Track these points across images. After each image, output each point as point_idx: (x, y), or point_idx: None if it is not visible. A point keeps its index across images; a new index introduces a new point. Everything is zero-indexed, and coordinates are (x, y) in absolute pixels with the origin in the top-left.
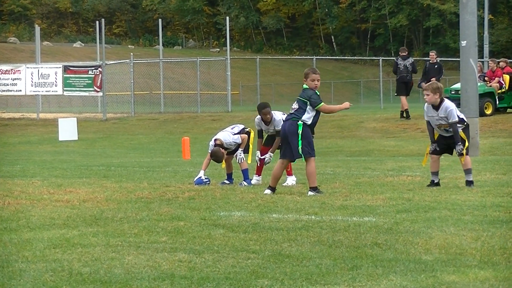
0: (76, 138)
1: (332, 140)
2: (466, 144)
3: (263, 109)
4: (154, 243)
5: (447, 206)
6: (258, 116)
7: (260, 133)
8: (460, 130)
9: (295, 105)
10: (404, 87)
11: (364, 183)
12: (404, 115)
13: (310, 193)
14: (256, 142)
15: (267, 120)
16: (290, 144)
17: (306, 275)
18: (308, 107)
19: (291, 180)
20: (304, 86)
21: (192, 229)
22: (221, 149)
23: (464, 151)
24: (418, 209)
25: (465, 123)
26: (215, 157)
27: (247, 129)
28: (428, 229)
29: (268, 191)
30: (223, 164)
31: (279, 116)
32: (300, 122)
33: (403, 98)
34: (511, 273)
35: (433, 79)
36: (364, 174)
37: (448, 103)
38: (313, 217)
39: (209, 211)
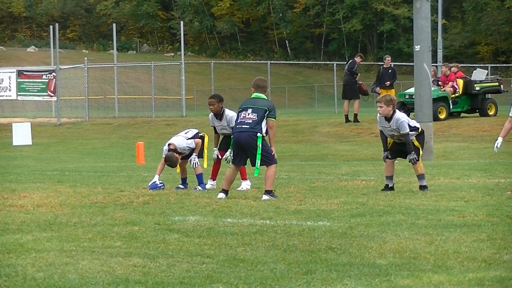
0: (30, 143)
1: (286, 145)
2: (420, 152)
3: (209, 99)
4: (108, 248)
5: (401, 211)
6: (211, 113)
7: (214, 129)
8: (413, 138)
9: (252, 115)
10: (344, 91)
11: (318, 188)
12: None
13: (264, 197)
14: (212, 142)
15: (216, 112)
16: (248, 153)
17: (261, 279)
18: (265, 117)
19: (245, 185)
20: (262, 95)
21: (147, 234)
22: (175, 153)
23: (420, 159)
24: (372, 214)
25: (419, 130)
26: (169, 162)
27: (201, 134)
28: (382, 233)
29: (221, 195)
30: (178, 169)
31: (231, 113)
32: (259, 134)
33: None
34: (464, 277)
35: (387, 83)
36: (318, 179)
37: (399, 115)
38: (267, 221)
39: (163, 216)
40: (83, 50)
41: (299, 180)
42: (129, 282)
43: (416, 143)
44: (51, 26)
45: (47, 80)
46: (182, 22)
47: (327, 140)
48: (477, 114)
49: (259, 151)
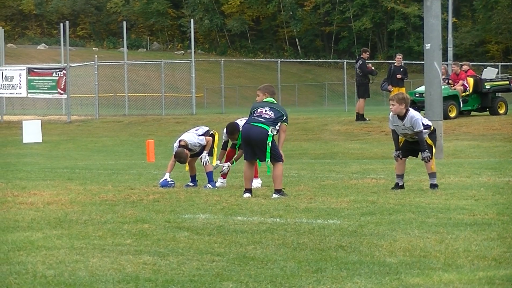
0: (40, 141)
1: (296, 143)
2: (433, 150)
3: (232, 134)
4: (118, 246)
5: (411, 209)
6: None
7: (225, 144)
8: (426, 136)
9: (270, 113)
10: (357, 90)
11: (328, 186)
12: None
13: (274, 195)
14: (219, 148)
15: (234, 142)
16: (255, 149)
17: (271, 277)
18: (279, 122)
19: (256, 183)
20: (273, 100)
21: (157, 232)
22: (185, 150)
23: (433, 157)
24: (383, 212)
25: (432, 128)
26: (179, 158)
27: (211, 131)
28: (392, 231)
29: (247, 195)
30: (186, 167)
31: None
32: (270, 133)
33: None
34: (474, 276)
35: (399, 76)
36: (328, 177)
37: (412, 113)
38: (277, 219)
39: (173, 214)
40: (93, 48)
41: (309, 178)
42: (139, 279)
43: (429, 141)
44: (61, 24)
45: (57, 78)
46: (192, 20)
47: (337, 138)
48: (487, 112)
49: (268, 149)
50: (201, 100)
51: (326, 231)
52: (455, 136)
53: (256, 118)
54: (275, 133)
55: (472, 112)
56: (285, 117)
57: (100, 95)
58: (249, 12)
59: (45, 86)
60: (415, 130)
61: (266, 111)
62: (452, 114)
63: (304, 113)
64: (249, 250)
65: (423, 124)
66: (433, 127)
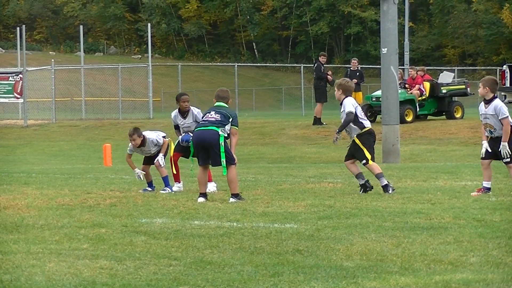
0: None
1: (253, 147)
2: (365, 153)
3: (182, 96)
4: (75, 250)
5: (368, 213)
6: (175, 111)
7: (177, 130)
8: (354, 136)
9: (216, 115)
10: (314, 94)
11: (285, 190)
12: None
13: (232, 200)
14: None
15: (185, 109)
16: (210, 152)
17: (228, 282)
18: (227, 124)
19: (211, 187)
20: (224, 105)
21: (114, 236)
22: (141, 134)
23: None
24: (340, 216)
25: (366, 129)
26: (134, 130)
27: (167, 139)
28: (349, 235)
29: (202, 199)
30: (132, 166)
31: (197, 110)
32: (221, 133)
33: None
34: (431, 280)
35: (355, 80)
36: (285, 181)
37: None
38: (234, 223)
39: (130, 218)
40: (50, 52)
41: (266, 182)
42: (96, 284)
43: (360, 144)
44: (18, 28)
45: (13, 82)
46: (149, 24)
47: (294, 143)
48: (444, 117)
49: (222, 149)
50: (159, 104)
51: (283, 235)
52: (411, 140)
53: (203, 122)
54: (225, 134)
55: (429, 116)
56: (232, 119)
57: (57, 99)
58: (206, 16)
59: (1, 90)
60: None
61: (211, 115)
62: (409, 118)
63: (262, 117)
64: (206, 254)
65: (358, 120)
66: (370, 128)
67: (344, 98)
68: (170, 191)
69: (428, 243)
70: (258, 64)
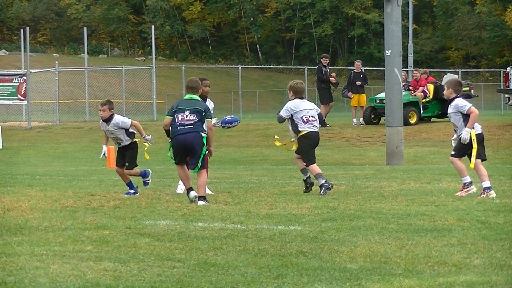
0: (1, 147)
1: (257, 149)
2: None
3: (204, 80)
4: (79, 252)
5: (371, 215)
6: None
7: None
8: (295, 139)
9: (191, 116)
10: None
11: (289, 192)
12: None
13: (201, 202)
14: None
15: (206, 94)
16: (190, 154)
17: (232, 284)
18: (204, 121)
19: (180, 189)
20: (195, 97)
21: (118, 238)
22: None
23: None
24: (343, 218)
25: (304, 133)
26: (107, 100)
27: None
28: (353, 237)
29: (192, 193)
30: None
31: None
32: (204, 135)
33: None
34: (435, 282)
35: (358, 82)
36: (289, 183)
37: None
38: (238, 225)
39: (134, 220)
40: (54, 54)
41: (270, 184)
42: (100, 286)
43: (295, 146)
44: (21, 30)
45: (17, 84)
46: (153, 26)
47: None
48: (448, 119)
49: (203, 151)
50: (162, 106)
51: (287, 237)
52: (415, 142)
53: (182, 126)
54: (206, 133)
55: (433, 118)
56: (205, 113)
57: (60, 101)
58: (210, 19)
59: (5, 92)
60: None
61: (187, 116)
62: (413, 121)
63: (265, 119)
64: (210, 256)
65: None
66: (308, 132)
67: (292, 99)
68: (134, 193)
69: (432, 245)
70: (262, 66)
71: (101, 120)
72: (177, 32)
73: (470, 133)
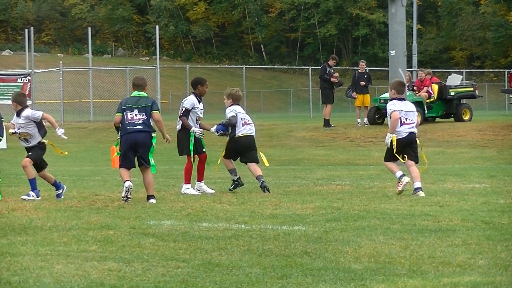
0: (5, 147)
1: (261, 149)
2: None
3: (206, 81)
4: (83, 252)
5: (376, 215)
6: (192, 96)
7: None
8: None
9: (141, 115)
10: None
11: (293, 192)
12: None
13: (152, 200)
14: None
15: (204, 94)
16: (140, 151)
17: (236, 284)
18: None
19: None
20: (142, 94)
21: (122, 238)
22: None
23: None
24: (348, 218)
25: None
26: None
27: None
28: (357, 238)
29: (127, 183)
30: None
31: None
32: (154, 135)
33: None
34: (439, 282)
35: (362, 83)
36: (293, 183)
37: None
38: (243, 226)
39: (138, 220)
40: (58, 54)
41: (274, 184)
42: (104, 286)
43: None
44: (26, 30)
45: (21, 84)
46: (157, 26)
47: (302, 145)
48: (452, 119)
49: (152, 150)
50: (167, 106)
51: (291, 238)
52: (420, 142)
53: (132, 126)
54: (154, 133)
55: (437, 118)
56: (152, 106)
57: (65, 101)
58: (214, 19)
59: (10, 92)
60: None
61: (136, 115)
62: None
63: (269, 120)
64: (214, 256)
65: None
66: (237, 137)
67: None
68: (34, 197)
69: (436, 245)
70: (266, 66)
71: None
72: (181, 32)
73: (391, 138)
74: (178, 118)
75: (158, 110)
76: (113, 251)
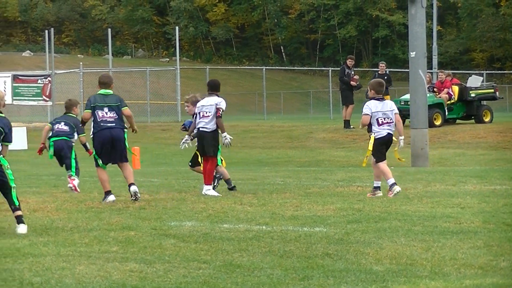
0: (26, 148)
1: (281, 151)
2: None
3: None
4: (105, 253)
5: (397, 217)
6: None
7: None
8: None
9: (111, 113)
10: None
11: (314, 194)
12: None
13: (134, 187)
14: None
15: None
16: (115, 148)
17: (257, 285)
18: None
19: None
20: (109, 91)
21: (143, 239)
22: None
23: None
24: (369, 220)
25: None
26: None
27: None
28: (378, 239)
29: (111, 197)
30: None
31: None
32: (126, 130)
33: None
34: (461, 284)
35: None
36: (314, 185)
37: None
38: (264, 227)
39: (160, 221)
40: (78, 55)
41: (295, 186)
42: (126, 287)
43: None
44: (46, 31)
45: (42, 85)
46: (177, 28)
47: (323, 146)
48: (473, 120)
49: (126, 144)
50: None
51: (313, 239)
52: (440, 144)
53: (104, 123)
54: (126, 129)
55: (458, 120)
56: (121, 104)
57: (85, 102)
58: (234, 20)
59: (30, 93)
60: None
61: (107, 113)
62: (438, 122)
63: (290, 121)
64: (235, 257)
65: None
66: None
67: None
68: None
69: (458, 247)
70: (286, 68)
71: None
72: (201, 33)
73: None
74: (209, 118)
75: (127, 106)
76: (135, 252)
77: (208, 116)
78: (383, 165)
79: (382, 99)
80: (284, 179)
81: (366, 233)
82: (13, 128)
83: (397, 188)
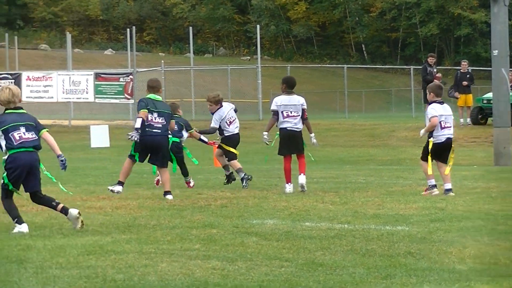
0: (108, 145)
1: (363, 149)
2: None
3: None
4: (187, 251)
5: (480, 216)
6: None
7: None
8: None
9: (160, 119)
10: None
11: (396, 192)
12: None
13: (169, 196)
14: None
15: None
16: (158, 154)
17: (340, 283)
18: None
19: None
20: (158, 97)
21: (225, 237)
22: None
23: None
24: (452, 219)
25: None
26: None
27: None
28: (462, 238)
29: (118, 188)
30: None
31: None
32: (170, 136)
33: None
34: None
35: (465, 83)
36: (396, 183)
37: None
38: (346, 225)
39: (241, 219)
40: (160, 53)
41: (377, 184)
42: (208, 284)
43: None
44: (128, 29)
45: (124, 83)
46: (258, 26)
47: (405, 145)
48: None
49: (169, 150)
50: (268, 105)
51: (395, 238)
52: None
53: (150, 128)
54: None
55: None
56: (168, 113)
57: (167, 100)
58: (315, 18)
59: (112, 91)
60: None
61: (155, 118)
62: None
63: (371, 119)
64: (317, 256)
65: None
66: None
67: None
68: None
69: None
70: (367, 66)
71: None
72: (282, 31)
73: (428, 142)
74: (298, 119)
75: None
76: (217, 250)
77: (295, 116)
78: (427, 165)
79: (442, 102)
80: (366, 177)
81: (449, 232)
82: (95, 126)
83: (435, 191)
